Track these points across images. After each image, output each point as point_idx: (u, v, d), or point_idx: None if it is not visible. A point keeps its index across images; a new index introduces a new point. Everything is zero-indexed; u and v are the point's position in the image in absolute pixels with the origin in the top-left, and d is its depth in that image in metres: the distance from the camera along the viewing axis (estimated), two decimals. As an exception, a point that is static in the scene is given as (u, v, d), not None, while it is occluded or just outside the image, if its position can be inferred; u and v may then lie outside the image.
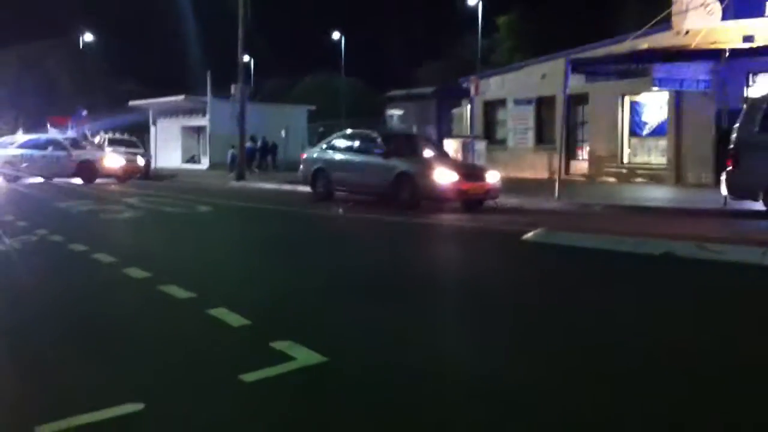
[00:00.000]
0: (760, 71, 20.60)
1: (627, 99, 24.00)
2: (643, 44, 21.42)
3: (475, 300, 7.21)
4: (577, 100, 25.32)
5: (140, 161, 29.64)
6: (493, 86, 27.99)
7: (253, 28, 30.76)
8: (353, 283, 7.90)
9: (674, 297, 7.48)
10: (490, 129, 27.83)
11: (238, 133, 29.09)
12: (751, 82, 20.77)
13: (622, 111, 24.08)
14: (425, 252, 11.08)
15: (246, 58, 34.12)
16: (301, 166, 19.73)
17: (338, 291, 7.48)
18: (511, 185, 21.94)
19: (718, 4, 20.89)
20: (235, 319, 5.91)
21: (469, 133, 23.78)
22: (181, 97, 43.08)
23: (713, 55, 19.37)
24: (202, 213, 16.57)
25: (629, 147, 24.07)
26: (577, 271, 9.12)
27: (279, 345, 5.13)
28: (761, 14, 20.29)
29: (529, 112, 27.10)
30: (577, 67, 22.02)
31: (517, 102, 27.41)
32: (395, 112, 24.50)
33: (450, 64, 51.91)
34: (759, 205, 14.35)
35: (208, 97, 38.94)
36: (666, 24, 22.05)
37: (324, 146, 19.27)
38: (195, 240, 12.23)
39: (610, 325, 6.15)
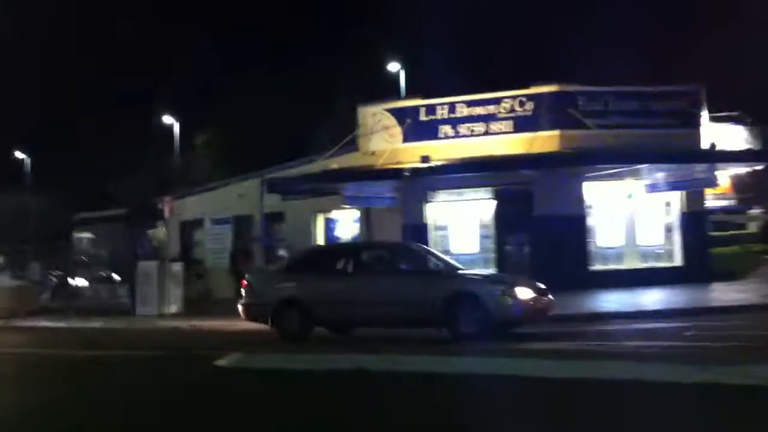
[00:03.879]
0: (438, 188, 22.36)
1: (321, 216, 24.83)
2: (334, 164, 22.49)
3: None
4: (274, 218, 25.66)
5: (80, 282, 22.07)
6: (190, 206, 27.64)
7: None
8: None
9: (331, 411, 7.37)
10: (188, 249, 27.23)
11: None
12: (430, 198, 22.45)
13: (317, 227, 24.83)
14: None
15: None
16: (246, 300, 14.37)
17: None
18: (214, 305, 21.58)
19: (398, 127, 22.64)
20: None
21: (166, 255, 23.02)
22: None
23: (396, 174, 20.77)
24: None
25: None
26: (261, 396, 8.71)
27: None
28: (436, 137, 22.30)
29: (227, 231, 27.02)
30: (272, 186, 22.53)
31: (215, 221, 27.26)
32: (85, 235, 23.09)
33: (148, 182, 50.69)
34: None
35: None
36: (354, 145, 23.36)
37: (287, 269, 14.81)
38: None
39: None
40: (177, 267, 21.34)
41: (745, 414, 6.80)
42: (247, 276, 15.09)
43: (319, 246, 17.36)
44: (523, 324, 13.11)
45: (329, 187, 22.49)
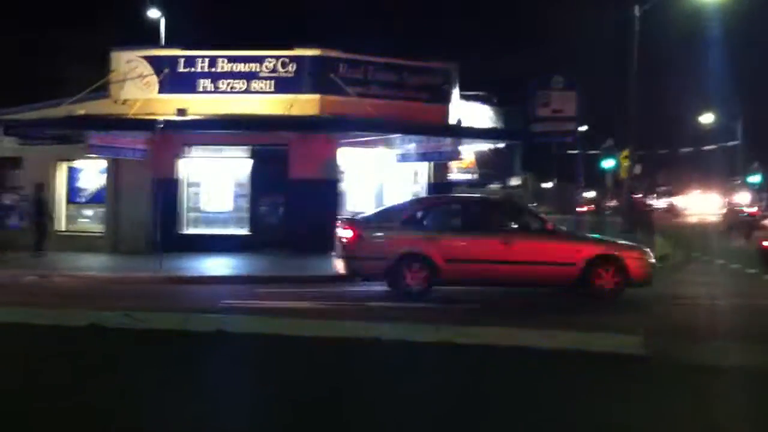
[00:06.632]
0: (194, 143, 21.70)
1: (64, 165, 23.16)
2: (81, 110, 21.06)
3: None
4: (10, 164, 23.56)
5: None
6: None
7: None
8: None
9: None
10: None
11: None
12: (185, 153, 21.73)
13: (59, 177, 23.11)
14: None
15: None
16: (353, 253, 13.11)
17: None
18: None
19: (155, 77, 21.59)
20: None
21: None
22: None
23: (149, 125, 19.84)
24: None
25: (66, 214, 23.13)
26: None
27: None
28: (194, 90, 21.54)
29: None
30: (8, 129, 20.74)
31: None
32: None
33: None
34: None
35: None
36: (105, 92, 21.98)
37: (406, 220, 13.48)
38: None
39: None
40: None
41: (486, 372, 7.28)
42: (356, 226, 13.47)
43: (438, 197, 16.89)
44: (648, 285, 13.31)
45: (75, 134, 21.04)
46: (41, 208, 20.69)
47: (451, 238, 13.12)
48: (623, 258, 13.04)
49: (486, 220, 13.77)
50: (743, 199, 37.70)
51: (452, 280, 13.03)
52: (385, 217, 14.04)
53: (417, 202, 15.66)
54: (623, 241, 15.06)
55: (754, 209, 30.71)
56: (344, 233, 13.28)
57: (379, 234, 13.26)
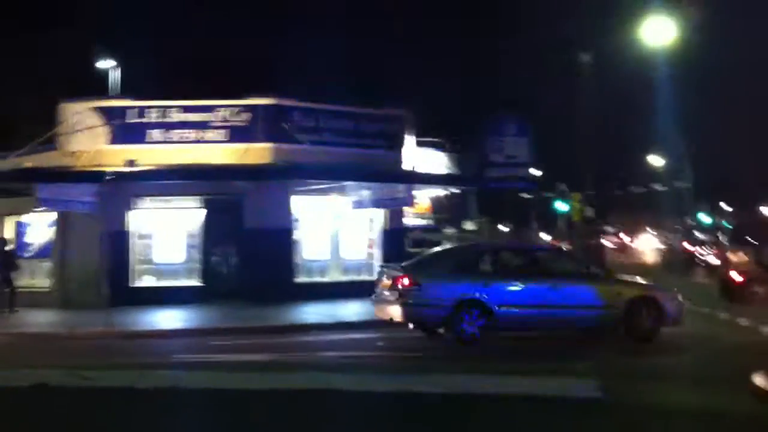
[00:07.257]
0: (144, 194, 21.34)
1: (12, 219, 22.62)
2: (28, 163, 20.67)
3: None
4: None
5: None
6: None
7: None
8: None
9: None
10: None
11: None
12: (134, 205, 21.34)
13: (5, 231, 22.48)
14: None
15: None
16: (412, 299, 12.91)
17: None
18: None
19: (105, 128, 21.28)
20: None
21: None
22: None
23: (98, 177, 19.53)
24: None
25: (14, 269, 22.47)
26: None
27: None
28: (145, 141, 21.25)
29: None
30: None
31: None
32: None
33: None
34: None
35: None
36: (54, 144, 21.61)
37: (460, 267, 13.64)
38: None
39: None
40: None
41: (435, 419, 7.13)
42: (412, 273, 13.25)
43: (488, 243, 18.11)
44: (680, 324, 13.79)
45: (22, 187, 20.64)
46: (8, 262, 20.16)
47: (504, 284, 13.29)
48: (659, 299, 13.57)
49: (535, 266, 14.09)
50: (681, 238, 39.15)
51: (506, 326, 13.32)
52: (437, 264, 14.28)
53: (467, 249, 16.31)
54: (656, 283, 15.37)
55: (690, 247, 31.97)
56: (400, 281, 13.17)
57: (436, 281, 13.30)
